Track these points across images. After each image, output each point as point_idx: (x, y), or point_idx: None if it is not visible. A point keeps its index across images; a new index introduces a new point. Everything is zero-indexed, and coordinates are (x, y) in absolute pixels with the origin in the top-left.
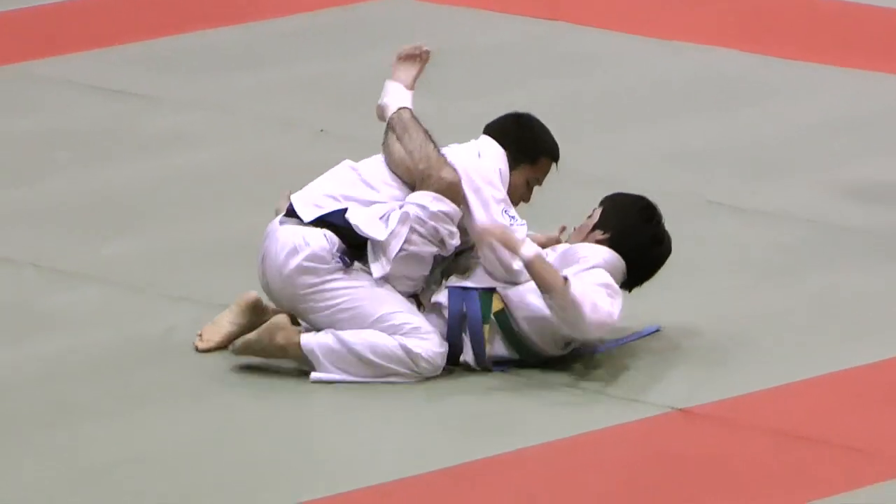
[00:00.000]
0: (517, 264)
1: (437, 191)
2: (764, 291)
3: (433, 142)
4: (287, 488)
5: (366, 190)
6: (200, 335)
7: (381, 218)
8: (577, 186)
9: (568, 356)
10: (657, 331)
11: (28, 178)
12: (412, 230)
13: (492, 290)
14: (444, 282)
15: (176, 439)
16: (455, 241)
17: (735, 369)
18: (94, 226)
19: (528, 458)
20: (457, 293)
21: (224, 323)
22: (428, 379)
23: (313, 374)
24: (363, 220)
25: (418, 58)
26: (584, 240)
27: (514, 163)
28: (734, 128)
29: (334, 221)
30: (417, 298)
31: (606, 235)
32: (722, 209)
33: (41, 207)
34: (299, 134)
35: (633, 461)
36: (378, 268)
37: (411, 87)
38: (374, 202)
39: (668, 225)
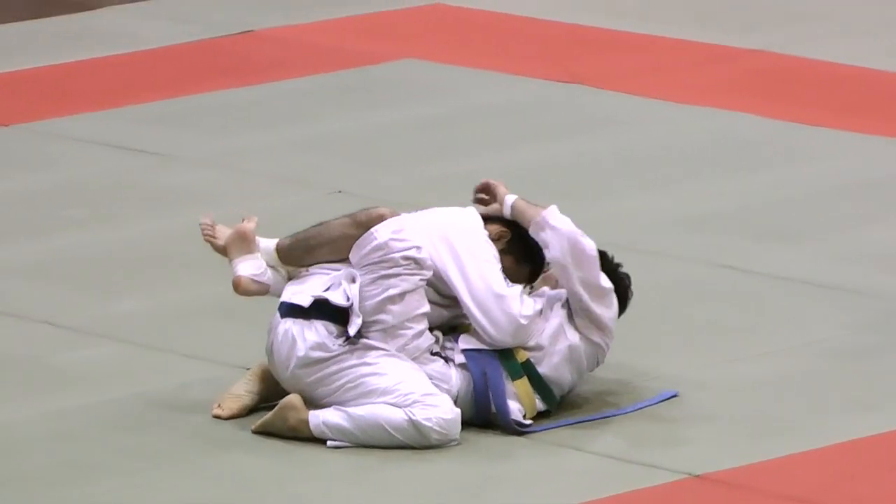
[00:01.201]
0: (523, 319)
1: (367, 223)
2: (778, 357)
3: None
4: None
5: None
6: (219, 404)
7: (334, 289)
8: None
9: (584, 420)
10: (674, 396)
11: (43, 233)
12: (386, 276)
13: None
14: (455, 343)
15: (190, 498)
16: (425, 255)
17: (750, 436)
18: (108, 282)
19: None
20: (474, 357)
21: (241, 392)
22: None
23: (329, 442)
24: (332, 296)
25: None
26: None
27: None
28: (749, 192)
29: (324, 305)
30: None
31: None
32: (736, 273)
33: (55, 263)
34: (314, 193)
35: None
36: (353, 328)
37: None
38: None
39: (683, 289)
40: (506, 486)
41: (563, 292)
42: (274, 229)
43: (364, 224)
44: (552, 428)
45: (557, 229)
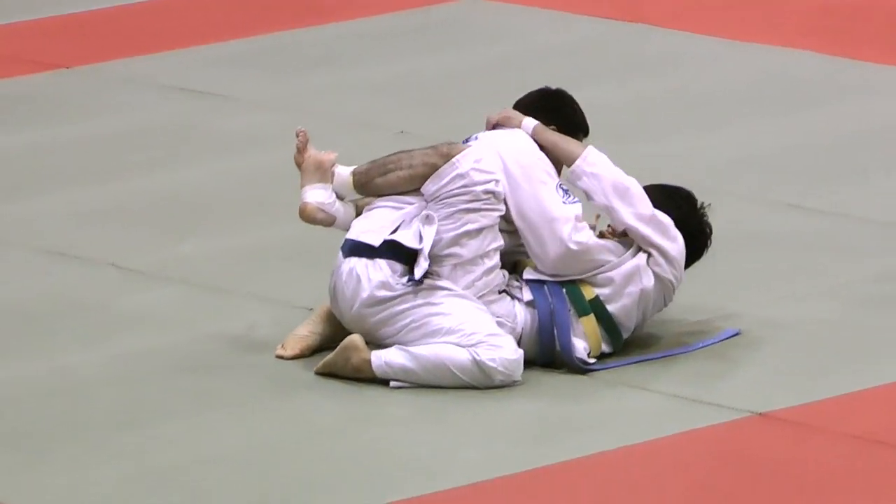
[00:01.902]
0: (573, 245)
1: (448, 154)
2: (839, 295)
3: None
4: (363, 490)
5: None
6: (283, 345)
7: (406, 227)
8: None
9: (647, 359)
10: (737, 334)
11: (107, 177)
12: (465, 211)
13: (576, 280)
14: (521, 280)
15: (253, 439)
16: (502, 188)
17: (813, 374)
18: (172, 225)
19: (606, 463)
20: (541, 293)
21: (304, 333)
22: None
23: (392, 383)
24: (403, 237)
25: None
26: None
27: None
28: (808, 131)
29: (394, 246)
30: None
31: None
32: (796, 212)
33: (120, 207)
34: (377, 134)
35: (710, 465)
36: (418, 270)
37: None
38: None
39: (741, 226)
40: (570, 426)
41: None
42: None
43: (446, 155)
44: (616, 367)
45: (596, 175)
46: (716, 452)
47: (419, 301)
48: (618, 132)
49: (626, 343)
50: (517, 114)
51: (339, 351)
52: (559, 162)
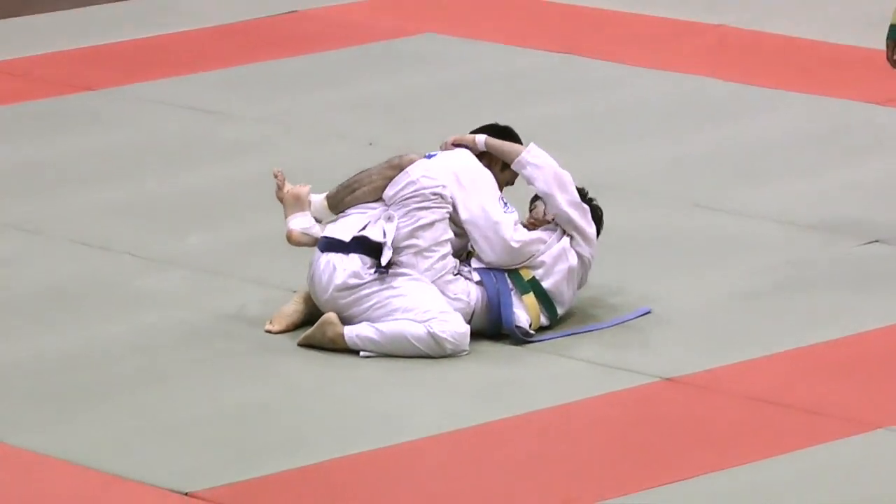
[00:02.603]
0: (514, 243)
1: (399, 165)
2: (741, 280)
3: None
4: (339, 441)
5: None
6: (271, 321)
7: (372, 226)
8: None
9: (572, 333)
10: (648, 312)
11: (125, 180)
12: (418, 209)
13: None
14: (470, 266)
15: (248, 398)
16: (448, 192)
17: (713, 346)
18: (180, 221)
19: (539, 420)
20: (486, 273)
21: (289, 311)
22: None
23: (362, 353)
24: (370, 232)
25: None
26: (539, 223)
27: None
28: (715, 142)
29: (362, 241)
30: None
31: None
32: (705, 211)
33: (136, 205)
34: (350, 145)
35: (625, 423)
36: (384, 259)
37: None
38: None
39: (659, 223)
40: (509, 388)
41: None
42: (319, 174)
43: (398, 167)
44: (547, 339)
45: (538, 166)
46: (630, 412)
47: (382, 286)
48: (557, 144)
49: (558, 318)
50: (469, 135)
51: (317, 326)
52: (506, 169)
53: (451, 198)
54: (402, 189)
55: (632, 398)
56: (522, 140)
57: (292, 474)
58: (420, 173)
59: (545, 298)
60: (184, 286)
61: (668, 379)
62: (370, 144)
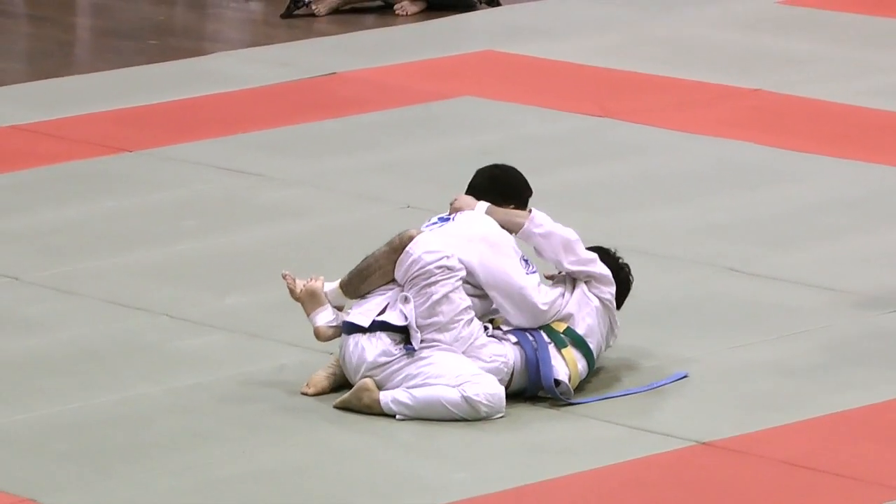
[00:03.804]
0: (543, 306)
1: (401, 245)
2: (773, 345)
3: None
4: None
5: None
6: (307, 384)
7: (392, 308)
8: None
9: (608, 397)
10: (684, 377)
11: (163, 241)
12: (428, 285)
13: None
14: (502, 329)
15: (285, 460)
16: (455, 262)
17: (749, 409)
18: (217, 281)
19: (574, 483)
20: (522, 333)
21: (324, 374)
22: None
23: (398, 416)
24: (389, 317)
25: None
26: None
27: (504, 205)
28: (751, 207)
29: (383, 325)
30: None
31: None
32: (739, 275)
33: (174, 265)
34: (387, 208)
35: (660, 486)
36: (415, 342)
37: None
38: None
39: (693, 287)
40: (544, 452)
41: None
42: (356, 236)
43: (399, 247)
44: (583, 402)
45: (545, 235)
46: (665, 475)
47: (413, 360)
48: (591, 207)
49: (592, 383)
50: (469, 201)
51: (353, 391)
52: (512, 231)
53: (460, 264)
54: (407, 269)
55: (667, 461)
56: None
57: None
58: (421, 250)
59: (582, 345)
60: (221, 348)
61: (703, 443)
62: (408, 207)
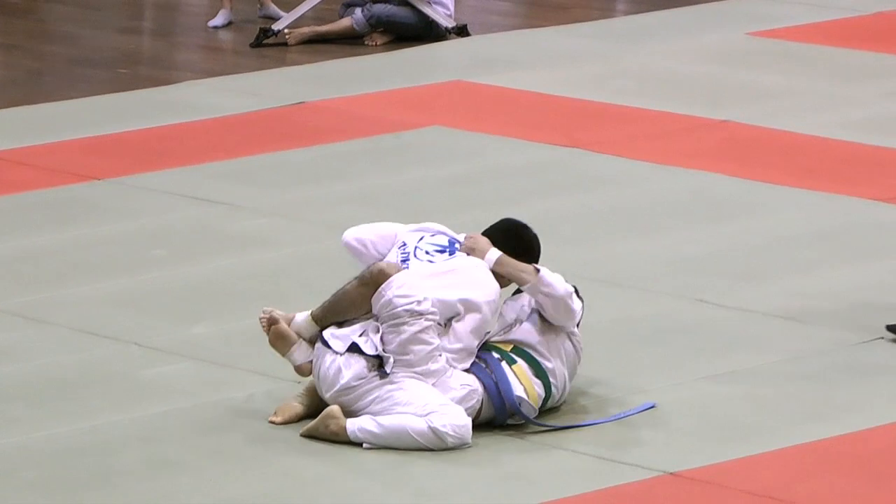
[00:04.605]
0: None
1: (372, 281)
2: (743, 376)
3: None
4: None
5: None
6: (275, 413)
7: (366, 335)
8: (583, 285)
9: (575, 426)
10: (652, 407)
11: (131, 269)
12: (396, 325)
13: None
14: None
15: (252, 489)
16: (426, 305)
17: (718, 440)
18: (185, 310)
19: None
20: (474, 364)
21: (294, 404)
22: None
23: (364, 445)
24: (363, 345)
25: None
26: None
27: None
28: (720, 239)
29: (358, 350)
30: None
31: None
32: (708, 307)
33: (142, 294)
34: None
35: None
36: (388, 367)
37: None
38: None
39: (663, 319)
40: (510, 481)
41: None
42: (325, 266)
43: (369, 281)
44: (551, 429)
45: (551, 295)
46: None
47: (384, 381)
48: (560, 238)
49: (560, 412)
50: (484, 245)
51: (320, 419)
52: (519, 284)
53: (432, 308)
54: (380, 308)
55: (635, 492)
56: (538, 235)
57: None
58: (393, 293)
59: (533, 363)
60: (189, 377)
61: (671, 473)
62: None
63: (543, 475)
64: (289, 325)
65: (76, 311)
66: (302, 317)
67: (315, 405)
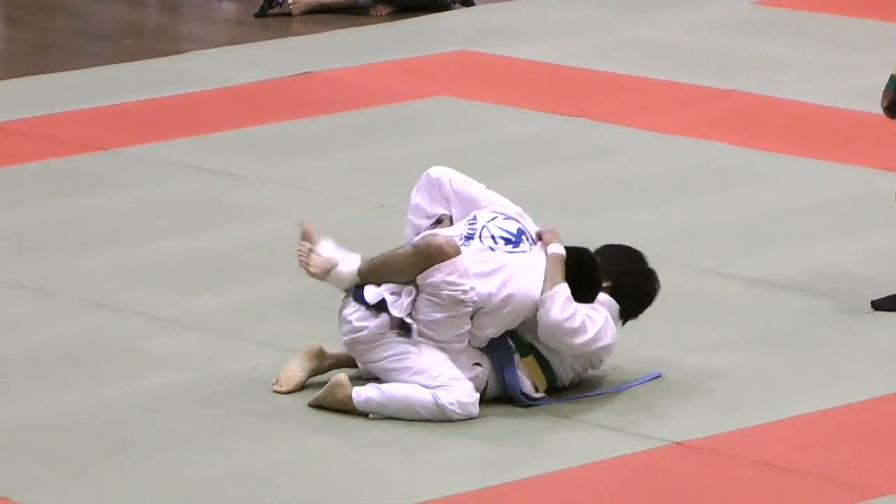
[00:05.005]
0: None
1: (426, 256)
2: (748, 345)
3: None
4: None
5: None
6: (277, 381)
7: (398, 296)
8: None
9: (582, 396)
10: (658, 377)
11: (137, 240)
12: (434, 304)
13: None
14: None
15: (257, 460)
16: (471, 296)
17: (723, 410)
18: (191, 281)
19: (544, 484)
20: (491, 345)
21: (295, 370)
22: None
23: (371, 415)
24: (392, 306)
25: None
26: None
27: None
28: (727, 208)
29: (385, 308)
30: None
31: (609, 283)
32: (715, 276)
33: (147, 266)
34: (361, 208)
35: (633, 487)
36: (414, 333)
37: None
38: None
39: (669, 288)
40: (516, 451)
41: None
42: (330, 237)
43: (423, 254)
44: (555, 403)
45: (544, 312)
46: (639, 476)
47: (403, 341)
48: (566, 208)
49: (555, 381)
50: (554, 237)
51: (327, 388)
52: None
53: (474, 299)
54: (424, 286)
55: (641, 462)
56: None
57: None
58: (443, 277)
59: (543, 360)
60: (194, 348)
61: (677, 443)
62: (381, 206)
63: (549, 445)
64: (329, 272)
65: (81, 283)
66: (347, 270)
67: (315, 368)
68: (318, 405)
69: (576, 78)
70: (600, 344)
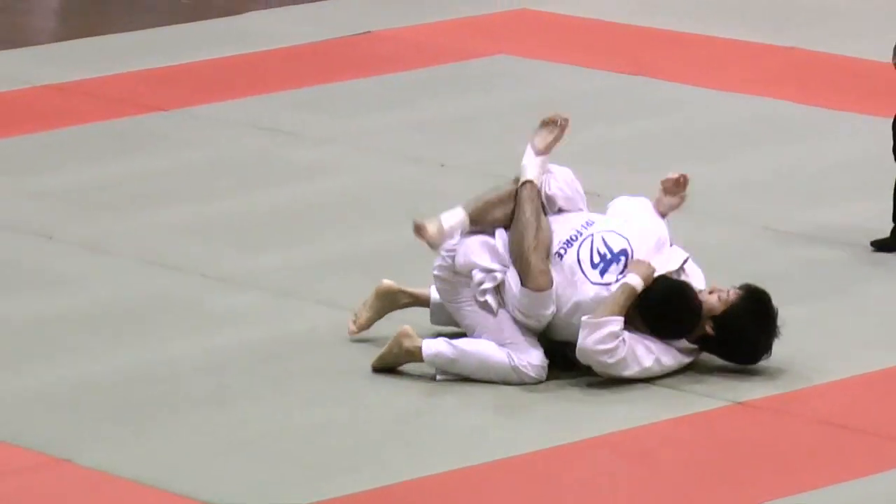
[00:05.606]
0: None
1: (529, 289)
2: (808, 303)
3: (539, 222)
4: (406, 463)
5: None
6: (353, 321)
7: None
8: None
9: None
10: None
11: (196, 199)
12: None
13: None
14: None
15: (316, 420)
16: (547, 319)
17: (786, 368)
18: (251, 240)
19: (608, 443)
20: None
21: (362, 310)
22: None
23: (438, 376)
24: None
25: (556, 125)
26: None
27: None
28: (784, 163)
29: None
30: None
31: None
32: (772, 232)
33: (207, 224)
34: (422, 166)
35: (696, 446)
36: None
37: (543, 152)
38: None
39: (728, 244)
40: (580, 411)
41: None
42: (390, 195)
43: (527, 283)
44: None
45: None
46: (701, 435)
47: (485, 299)
48: (625, 164)
49: None
50: (640, 268)
51: (394, 339)
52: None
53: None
54: (518, 301)
55: (703, 422)
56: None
57: (360, 497)
58: (536, 311)
59: None
60: (254, 307)
61: (739, 403)
62: (442, 166)
63: (612, 405)
64: (444, 234)
65: (141, 242)
66: (457, 220)
67: (386, 307)
68: (384, 362)
69: (634, 34)
70: (636, 375)
